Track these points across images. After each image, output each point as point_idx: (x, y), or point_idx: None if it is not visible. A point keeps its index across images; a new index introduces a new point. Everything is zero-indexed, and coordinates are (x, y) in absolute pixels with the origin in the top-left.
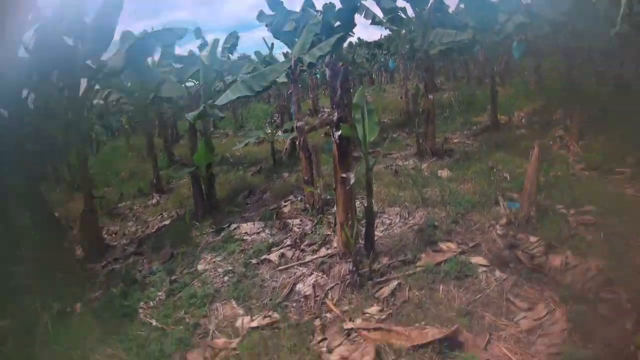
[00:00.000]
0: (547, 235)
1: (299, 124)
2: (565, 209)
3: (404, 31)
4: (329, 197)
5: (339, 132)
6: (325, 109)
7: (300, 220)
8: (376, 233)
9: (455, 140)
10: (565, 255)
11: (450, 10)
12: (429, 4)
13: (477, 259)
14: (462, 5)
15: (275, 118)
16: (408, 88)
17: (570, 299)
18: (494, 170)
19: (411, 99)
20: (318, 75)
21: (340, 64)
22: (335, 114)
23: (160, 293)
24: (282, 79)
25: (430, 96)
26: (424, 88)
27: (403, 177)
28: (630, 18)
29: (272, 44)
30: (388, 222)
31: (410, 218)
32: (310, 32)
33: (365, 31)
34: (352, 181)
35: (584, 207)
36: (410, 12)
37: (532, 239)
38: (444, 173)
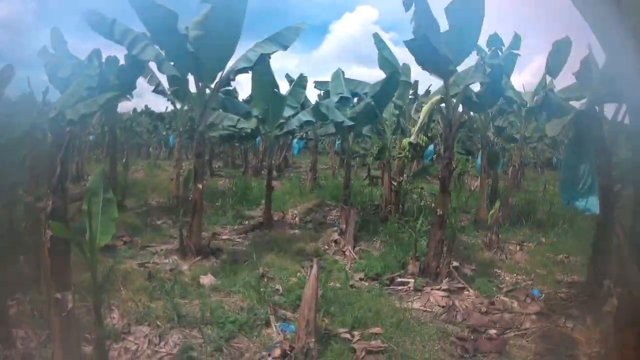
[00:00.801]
0: None
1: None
2: (348, 333)
3: (186, 107)
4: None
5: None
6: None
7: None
8: None
9: (225, 237)
10: None
11: (240, 97)
12: (215, 83)
13: None
14: (250, 94)
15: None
16: (182, 169)
17: None
18: (265, 279)
19: (182, 182)
20: (91, 137)
21: (67, 129)
22: (51, 201)
23: None
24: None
25: (200, 185)
26: (194, 174)
27: (158, 281)
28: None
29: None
30: (134, 348)
31: (162, 343)
32: (82, 85)
33: (156, 100)
34: (70, 305)
35: (369, 329)
36: (194, 86)
37: None
38: (208, 279)
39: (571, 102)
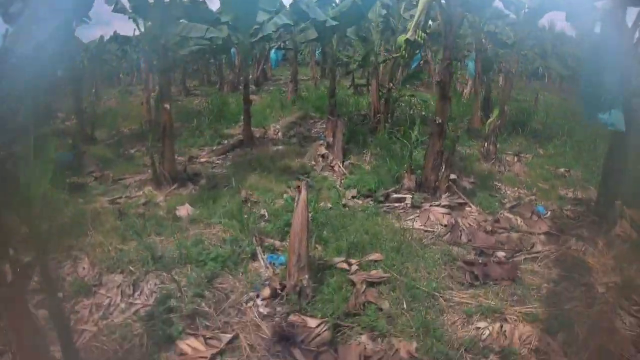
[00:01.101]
0: (326, 310)
1: None
2: (345, 262)
3: (149, 23)
4: None
5: None
6: None
7: None
8: (86, 327)
9: (203, 160)
10: (362, 344)
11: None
12: None
13: None
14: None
15: None
16: (153, 91)
17: None
18: (249, 204)
19: (153, 105)
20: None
21: None
22: None
23: None
24: None
25: (167, 105)
26: (160, 93)
27: (130, 219)
28: None
29: None
30: (106, 302)
31: (137, 293)
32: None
33: (127, 25)
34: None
35: (368, 255)
36: None
37: (311, 322)
38: (185, 210)
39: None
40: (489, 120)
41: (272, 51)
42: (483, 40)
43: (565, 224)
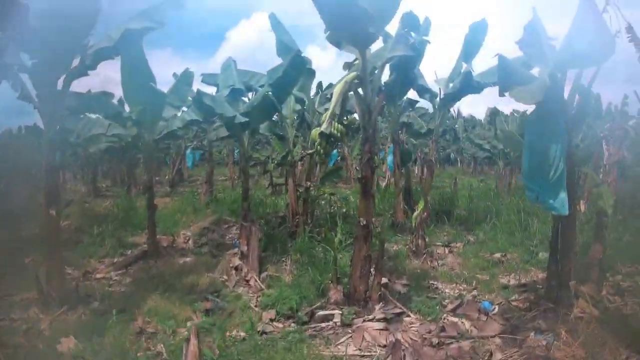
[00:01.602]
0: None
1: None
2: None
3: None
4: None
5: None
6: None
7: None
8: None
9: (100, 275)
10: None
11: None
12: (60, 83)
13: None
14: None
15: None
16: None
17: None
18: (143, 337)
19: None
20: None
21: None
22: None
23: None
24: None
25: (52, 211)
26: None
27: (9, 350)
28: None
29: None
30: None
31: None
32: None
33: None
34: None
35: None
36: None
37: None
38: (66, 345)
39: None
40: (414, 214)
41: (188, 151)
42: (400, 131)
43: (518, 317)
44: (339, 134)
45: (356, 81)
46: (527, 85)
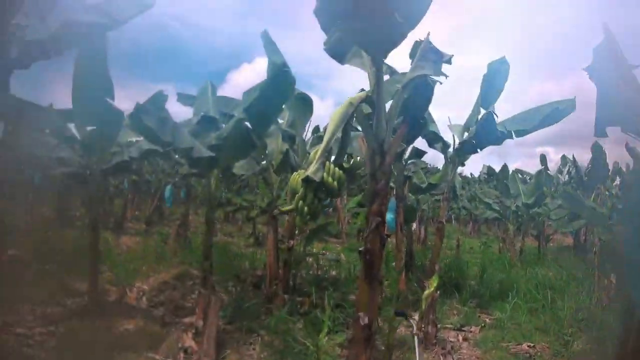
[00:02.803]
0: None
1: None
2: None
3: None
4: None
5: None
6: None
7: None
8: None
9: (20, 330)
10: None
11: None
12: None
13: None
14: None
15: None
16: None
17: None
18: None
19: None
20: None
21: None
22: None
23: None
24: None
25: None
26: None
27: None
28: None
29: None
30: None
31: None
32: None
33: None
34: None
35: None
36: None
37: None
38: None
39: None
40: (425, 293)
41: (168, 187)
42: (404, 185)
43: None
44: (335, 184)
45: (364, 106)
46: None
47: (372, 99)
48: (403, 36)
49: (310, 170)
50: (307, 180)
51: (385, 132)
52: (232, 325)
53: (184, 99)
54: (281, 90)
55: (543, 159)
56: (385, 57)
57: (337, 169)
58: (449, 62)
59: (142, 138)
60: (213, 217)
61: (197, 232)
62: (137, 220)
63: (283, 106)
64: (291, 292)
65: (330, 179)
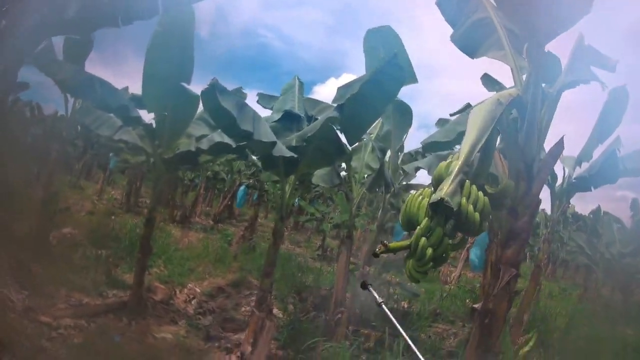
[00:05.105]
0: None
1: None
2: None
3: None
4: None
5: None
6: None
7: None
8: None
9: (45, 318)
10: None
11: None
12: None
13: None
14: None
15: None
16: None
17: None
18: None
19: None
20: None
21: None
22: None
23: None
24: None
25: None
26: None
27: None
28: None
29: None
30: None
31: None
32: None
33: None
34: None
35: None
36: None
37: None
38: None
39: None
40: (522, 350)
41: (241, 188)
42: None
43: None
44: (476, 216)
45: (512, 113)
46: None
47: (522, 100)
48: (565, 27)
49: (444, 191)
50: (436, 207)
51: (536, 149)
52: (285, 351)
53: (265, 100)
54: (385, 88)
55: (635, 203)
56: (543, 47)
57: (480, 193)
58: (612, 69)
59: (214, 133)
60: (282, 228)
61: (264, 237)
62: (206, 216)
63: (384, 109)
64: (356, 322)
65: (470, 208)
